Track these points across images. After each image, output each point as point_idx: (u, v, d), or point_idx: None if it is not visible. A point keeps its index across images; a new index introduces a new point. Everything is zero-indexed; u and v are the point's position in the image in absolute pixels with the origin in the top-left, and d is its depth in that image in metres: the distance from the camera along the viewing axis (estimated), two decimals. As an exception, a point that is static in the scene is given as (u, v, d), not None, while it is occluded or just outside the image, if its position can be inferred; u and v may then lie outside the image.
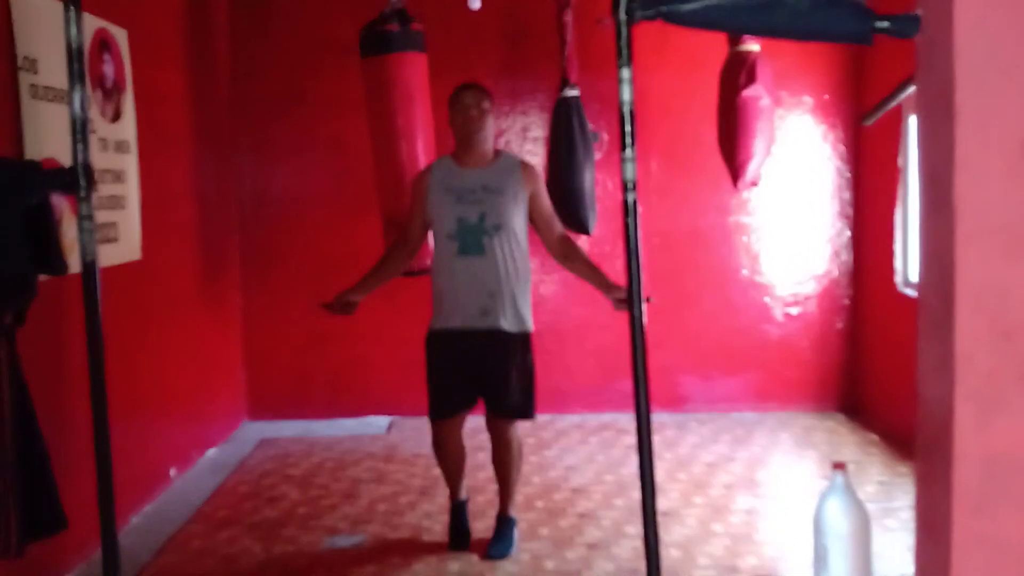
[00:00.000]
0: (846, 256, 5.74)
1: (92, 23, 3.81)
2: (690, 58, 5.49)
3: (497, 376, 3.62)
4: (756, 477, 4.60)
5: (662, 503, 3.64)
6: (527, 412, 3.71)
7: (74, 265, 2.81)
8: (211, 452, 5.16)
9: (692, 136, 5.57)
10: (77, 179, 2.47)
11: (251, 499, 4.43)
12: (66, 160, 2.53)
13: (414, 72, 4.56)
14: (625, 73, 2.20)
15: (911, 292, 4.96)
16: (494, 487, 3.87)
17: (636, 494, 2.32)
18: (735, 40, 4.76)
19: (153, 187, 4.41)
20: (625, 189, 2.24)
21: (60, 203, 3.35)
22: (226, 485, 4.64)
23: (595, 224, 5.11)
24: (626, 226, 2.24)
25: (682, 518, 4.04)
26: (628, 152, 2.23)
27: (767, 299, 5.75)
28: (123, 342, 3.86)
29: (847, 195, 5.71)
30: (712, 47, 4.89)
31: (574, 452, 5.05)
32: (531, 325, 3.70)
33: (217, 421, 5.38)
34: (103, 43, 3.98)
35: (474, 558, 3.68)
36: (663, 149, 5.65)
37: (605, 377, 5.66)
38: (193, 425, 4.99)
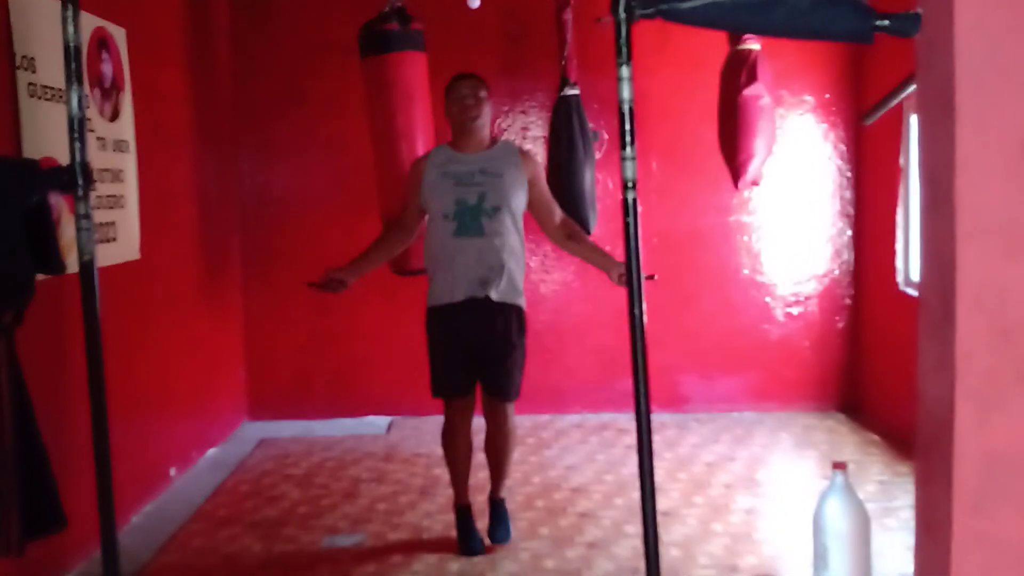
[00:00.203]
0: (847, 255, 5.73)
1: (90, 22, 3.81)
2: (690, 57, 5.48)
3: (499, 346, 3.63)
4: (756, 477, 4.60)
5: (662, 503, 3.63)
6: (518, 391, 3.72)
7: (72, 264, 2.81)
8: (211, 452, 5.16)
9: (692, 136, 5.56)
10: (75, 178, 2.47)
11: (251, 498, 4.44)
12: (64, 159, 2.52)
13: (414, 71, 4.56)
14: (625, 72, 2.20)
15: (913, 292, 4.96)
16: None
17: (636, 494, 2.32)
18: (735, 39, 4.75)
19: (152, 187, 4.41)
20: (625, 188, 2.23)
21: (58, 202, 3.35)
22: (226, 484, 4.64)
23: (595, 223, 5.10)
24: (626, 225, 2.24)
25: (682, 517, 4.04)
26: (628, 151, 2.22)
27: (767, 299, 5.75)
28: (123, 342, 3.86)
29: (848, 194, 5.71)
30: (712, 46, 4.89)
31: (574, 452, 5.05)
32: (524, 304, 3.71)
33: (217, 421, 5.38)
34: (101, 42, 3.97)
35: (474, 558, 3.67)
36: (663, 148, 5.64)
37: (605, 377, 5.66)
38: (193, 425, 4.99)
